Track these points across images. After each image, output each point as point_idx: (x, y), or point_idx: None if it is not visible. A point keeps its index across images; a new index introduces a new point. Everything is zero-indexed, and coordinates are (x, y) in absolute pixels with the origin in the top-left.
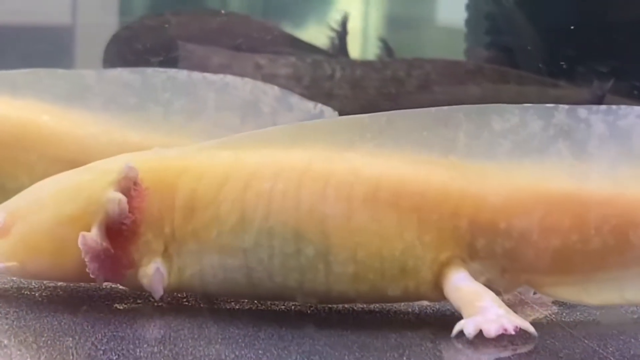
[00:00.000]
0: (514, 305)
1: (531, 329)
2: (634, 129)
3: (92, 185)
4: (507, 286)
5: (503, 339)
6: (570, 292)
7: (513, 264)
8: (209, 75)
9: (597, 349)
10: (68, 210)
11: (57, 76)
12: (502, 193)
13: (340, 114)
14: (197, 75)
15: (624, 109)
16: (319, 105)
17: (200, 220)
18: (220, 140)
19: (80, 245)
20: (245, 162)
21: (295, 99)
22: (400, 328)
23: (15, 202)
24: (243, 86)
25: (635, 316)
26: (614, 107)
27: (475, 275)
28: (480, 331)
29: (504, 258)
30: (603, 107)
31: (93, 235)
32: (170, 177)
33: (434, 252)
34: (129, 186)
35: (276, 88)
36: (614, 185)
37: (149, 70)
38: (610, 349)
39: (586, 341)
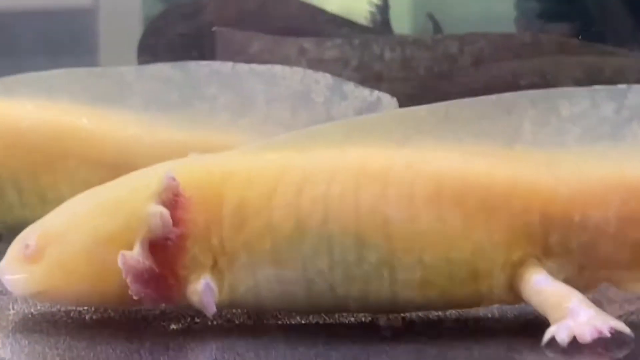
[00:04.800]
0: (598, 305)
1: (627, 330)
2: None
3: (131, 199)
4: (587, 284)
5: (598, 343)
6: None
7: (591, 260)
8: (256, 66)
9: None
10: (106, 228)
11: (94, 75)
12: (574, 183)
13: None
14: (242, 66)
15: None
16: (376, 92)
17: (251, 230)
18: (266, 142)
19: (120, 266)
20: (296, 165)
21: (349, 87)
22: (482, 337)
23: (48, 221)
24: (292, 76)
25: None
26: None
27: (552, 274)
28: (574, 337)
29: (581, 254)
30: None
31: (135, 254)
32: (215, 185)
33: (506, 252)
34: (171, 198)
35: (328, 76)
36: None
37: (191, 64)
38: None
39: None
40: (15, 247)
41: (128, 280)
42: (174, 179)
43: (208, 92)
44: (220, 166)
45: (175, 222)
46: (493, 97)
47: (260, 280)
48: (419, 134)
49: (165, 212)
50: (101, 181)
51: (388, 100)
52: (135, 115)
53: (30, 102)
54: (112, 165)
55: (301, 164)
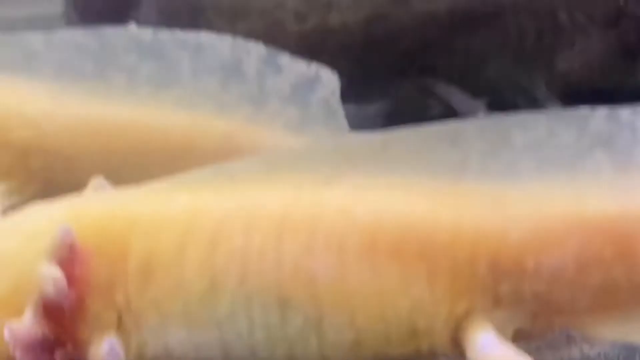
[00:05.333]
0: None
1: None
2: None
3: (21, 256)
4: (541, 332)
5: None
6: (617, 332)
7: (546, 308)
8: (180, 34)
9: None
10: (7, 285)
11: None
12: (527, 225)
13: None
14: (165, 34)
15: None
16: (314, 67)
17: (160, 288)
18: (179, 178)
19: (7, 339)
20: (211, 211)
21: (284, 60)
22: None
23: None
24: (221, 45)
25: None
26: None
27: (501, 326)
28: None
29: (536, 302)
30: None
31: (24, 324)
32: (119, 233)
33: (449, 306)
34: (67, 255)
35: (261, 47)
36: None
37: (107, 31)
38: None
39: None
40: None
41: (17, 354)
42: (69, 233)
43: (126, 61)
44: (125, 210)
45: (72, 281)
46: (436, 127)
47: (172, 343)
48: (353, 169)
49: (59, 275)
50: (9, 164)
51: (328, 77)
52: (45, 88)
53: None
54: (20, 146)
55: (216, 209)
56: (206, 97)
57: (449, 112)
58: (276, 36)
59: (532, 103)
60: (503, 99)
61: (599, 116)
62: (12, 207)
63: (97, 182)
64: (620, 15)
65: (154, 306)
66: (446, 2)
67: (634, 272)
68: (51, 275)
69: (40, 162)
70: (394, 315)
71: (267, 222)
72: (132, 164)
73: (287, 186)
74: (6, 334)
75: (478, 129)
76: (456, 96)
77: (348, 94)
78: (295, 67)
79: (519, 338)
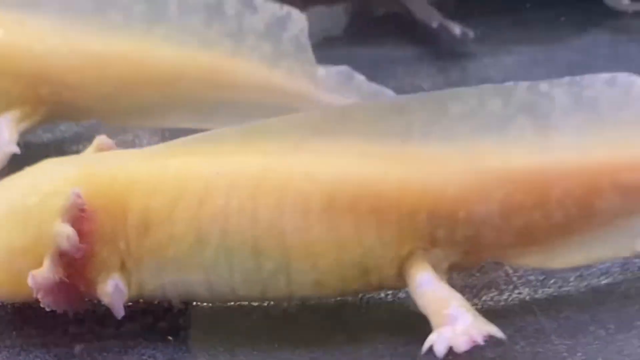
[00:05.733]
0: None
1: (499, 334)
2: (600, 96)
3: (40, 213)
4: (471, 264)
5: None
6: (535, 260)
7: (475, 247)
8: None
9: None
10: (19, 242)
11: None
12: (461, 181)
13: None
14: None
15: (587, 78)
16: (285, 7)
17: (155, 239)
18: (171, 144)
19: (31, 285)
20: (198, 174)
21: (259, 1)
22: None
23: None
24: None
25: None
26: (577, 78)
27: (438, 261)
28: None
29: (466, 243)
30: (566, 78)
31: (44, 271)
32: (120, 193)
33: (395, 249)
34: (77, 214)
35: None
36: (579, 155)
37: None
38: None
39: (556, 342)
40: None
41: (39, 296)
42: (79, 196)
43: (122, 1)
44: (125, 173)
45: (83, 235)
46: (387, 100)
47: (166, 281)
48: (316, 137)
49: (72, 233)
50: (21, 93)
51: (298, 16)
52: (50, 25)
53: None
54: (31, 76)
55: (203, 174)
56: (192, 34)
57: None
58: None
59: None
60: None
61: (521, 88)
62: (26, 131)
63: (101, 140)
64: None
65: (150, 254)
66: None
67: (549, 215)
68: (65, 232)
69: (47, 91)
70: (349, 259)
71: (245, 185)
72: (126, 92)
73: (262, 153)
74: (30, 280)
75: (421, 102)
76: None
77: None
78: (269, 8)
79: (453, 269)
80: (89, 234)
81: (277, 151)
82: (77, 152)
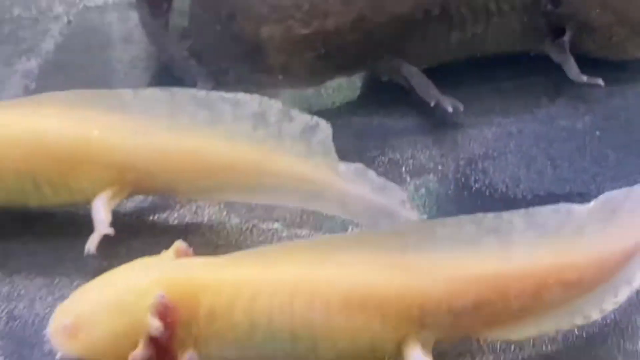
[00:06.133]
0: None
1: None
2: (547, 220)
3: (136, 307)
4: (451, 340)
5: None
6: (498, 335)
7: (454, 329)
8: (224, 93)
9: None
10: (122, 327)
11: (93, 96)
12: (443, 284)
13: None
14: (215, 93)
15: (538, 209)
16: (315, 118)
17: (219, 327)
18: (231, 256)
19: None
20: (252, 281)
21: (295, 112)
22: None
23: (80, 308)
24: (252, 100)
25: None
26: (530, 209)
27: (426, 340)
28: None
29: (447, 327)
30: (522, 210)
31: (140, 352)
32: (194, 294)
33: (395, 333)
34: (163, 310)
35: (279, 102)
36: (532, 262)
37: (176, 91)
38: None
39: None
40: (57, 322)
41: None
42: (163, 297)
43: (188, 109)
44: (197, 278)
45: (167, 324)
46: (392, 228)
47: (226, 355)
48: (338, 251)
49: (160, 326)
50: (113, 177)
51: (324, 124)
52: (135, 126)
53: (54, 118)
54: (119, 165)
55: (254, 280)
56: (242, 135)
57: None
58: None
59: None
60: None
61: (489, 217)
62: (115, 206)
63: (179, 245)
64: None
65: (215, 337)
66: None
67: (509, 306)
68: (154, 324)
69: (133, 176)
70: (361, 342)
71: (284, 289)
72: (192, 177)
73: (297, 265)
74: (130, 358)
75: (416, 227)
76: (417, 78)
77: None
78: (303, 118)
79: (437, 344)
80: (172, 324)
81: (308, 263)
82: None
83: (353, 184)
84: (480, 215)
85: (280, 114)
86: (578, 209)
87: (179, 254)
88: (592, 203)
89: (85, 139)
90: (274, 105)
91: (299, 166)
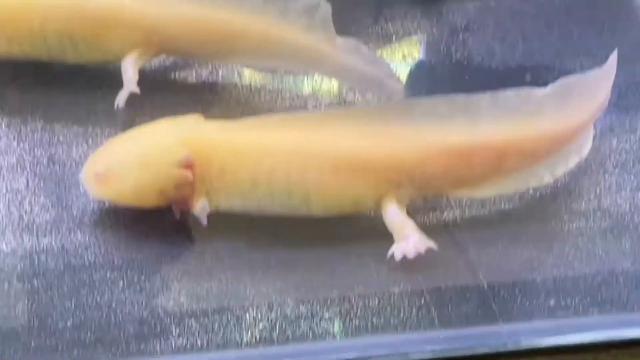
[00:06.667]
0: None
1: (434, 247)
2: (511, 100)
3: (160, 160)
4: (423, 197)
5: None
6: (464, 193)
7: (425, 189)
8: None
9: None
10: (146, 177)
11: None
12: (418, 152)
13: None
14: None
15: (502, 92)
16: None
17: (227, 181)
18: (241, 122)
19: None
20: (257, 144)
21: None
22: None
23: (110, 157)
24: None
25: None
26: (496, 92)
27: (401, 197)
28: (404, 255)
29: (420, 187)
30: (488, 93)
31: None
32: (209, 152)
33: (374, 191)
34: (186, 163)
35: None
36: (494, 134)
37: None
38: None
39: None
40: (90, 169)
41: (174, 209)
42: (186, 154)
43: None
44: (212, 139)
45: (188, 174)
46: (378, 105)
47: (232, 205)
48: (334, 121)
49: (189, 174)
50: (140, 39)
51: (324, 3)
52: None
53: None
54: (146, 28)
55: (259, 144)
56: (253, 9)
57: None
58: None
59: None
60: None
61: (460, 97)
62: (142, 65)
63: (195, 115)
64: None
65: (224, 189)
66: None
67: (473, 171)
68: (184, 174)
69: (157, 39)
70: (346, 199)
71: (284, 152)
72: (207, 41)
73: (296, 131)
74: (174, 207)
75: (400, 106)
76: None
77: None
78: None
79: (411, 201)
80: (191, 174)
81: (304, 132)
82: None
83: (348, 55)
84: (452, 96)
85: None
86: (536, 92)
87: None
88: (549, 87)
89: (117, 5)
90: None
91: (302, 38)
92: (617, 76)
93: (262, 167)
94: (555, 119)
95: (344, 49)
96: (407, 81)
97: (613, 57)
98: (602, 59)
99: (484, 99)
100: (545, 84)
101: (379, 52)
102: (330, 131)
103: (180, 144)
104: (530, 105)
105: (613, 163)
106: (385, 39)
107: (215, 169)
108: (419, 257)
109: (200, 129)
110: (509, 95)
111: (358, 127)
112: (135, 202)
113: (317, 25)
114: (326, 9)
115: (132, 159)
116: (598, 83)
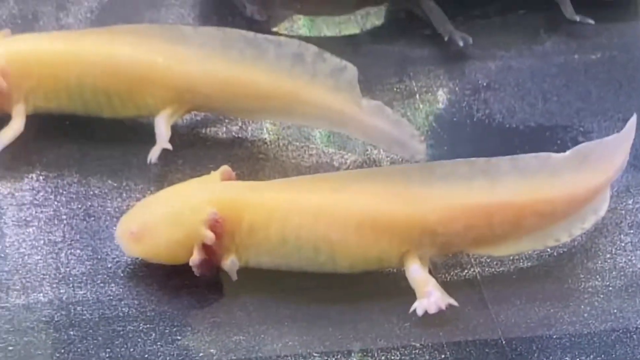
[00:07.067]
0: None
1: (455, 303)
2: (529, 164)
3: (191, 219)
4: (445, 255)
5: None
6: (484, 252)
7: (446, 247)
8: (268, 36)
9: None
10: (178, 235)
11: (160, 29)
12: (440, 211)
13: None
14: (260, 35)
15: (521, 156)
16: (344, 62)
17: (257, 238)
18: (268, 183)
19: (191, 264)
20: (285, 203)
21: (327, 55)
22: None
23: (144, 216)
24: (292, 43)
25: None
26: (516, 156)
27: (423, 255)
28: (426, 310)
29: (441, 245)
30: (508, 157)
31: (196, 257)
32: (238, 211)
33: (398, 249)
34: (214, 222)
35: (314, 46)
36: (513, 196)
37: (227, 29)
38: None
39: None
40: (124, 228)
41: (194, 270)
42: (215, 213)
43: (238, 46)
44: (241, 199)
45: (216, 234)
46: (401, 166)
47: (261, 261)
48: (358, 182)
49: (212, 235)
50: (173, 97)
51: (351, 67)
52: (193, 53)
53: (128, 45)
54: (179, 86)
55: (287, 203)
56: (282, 69)
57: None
58: None
59: None
60: None
61: (480, 161)
62: (174, 122)
63: (224, 169)
64: None
65: (253, 246)
66: None
67: (493, 230)
68: (208, 235)
69: (189, 97)
70: (371, 256)
71: (311, 211)
72: (238, 100)
73: (321, 191)
74: (190, 261)
75: (421, 167)
76: (435, 13)
77: None
78: (334, 60)
79: (434, 258)
80: (220, 235)
81: (331, 191)
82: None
83: (372, 117)
84: (473, 158)
85: (315, 56)
86: (555, 156)
87: (225, 175)
88: (568, 152)
89: (151, 63)
90: (310, 48)
91: (329, 99)
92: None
93: (290, 225)
94: (573, 183)
95: (368, 111)
96: (429, 138)
97: (632, 122)
98: (619, 119)
99: (503, 161)
100: (563, 142)
101: (403, 109)
102: (354, 191)
103: (209, 204)
104: (549, 169)
105: (629, 223)
106: (409, 97)
107: (245, 227)
108: (440, 313)
109: (231, 189)
110: (528, 158)
111: (381, 187)
112: (167, 259)
113: (344, 87)
114: (352, 72)
115: (163, 219)
116: (616, 148)
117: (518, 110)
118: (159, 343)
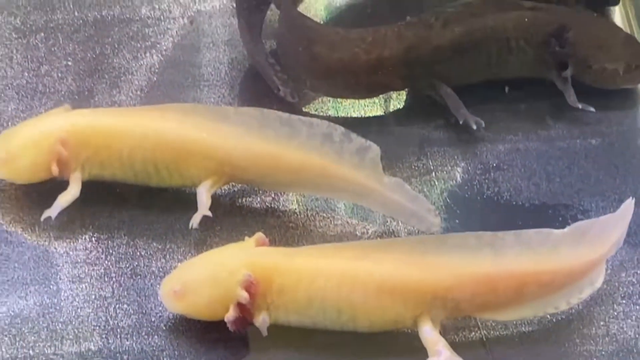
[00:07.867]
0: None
1: None
2: (531, 238)
3: (229, 281)
4: (454, 317)
5: None
6: (489, 317)
7: (456, 311)
8: (301, 117)
9: None
10: (217, 295)
11: (204, 109)
12: (450, 279)
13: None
14: (294, 116)
15: (525, 231)
16: (368, 142)
17: (286, 299)
18: (297, 249)
19: (226, 320)
20: (312, 268)
21: (353, 135)
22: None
23: (186, 277)
24: (322, 124)
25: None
26: (522, 230)
27: (435, 318)
28: None
29: (451, 309)
30: (512, 231)
31: (232, 314)
32: (270, 274)
33: (412, 312)
34: (248, 283)
35: (342, 127)
36: (516, 267)
37: (265, 110)
38: None
39: None
40: (168, 287)
41: (228, 325)
42: (249, 275)
43: (273, 125)
44: (272, 263)
45: (250, 294)
46: (416, 237)
47: (289, 319)
48: (377, 251)
49: (246, 295)
50: (213, 169)
51: (374, 146)
52: (234, 130)
53: (175, 122)
54: (220, 160)
55: (314, 268)
56: (312, 147)
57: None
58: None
59: None
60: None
61: (487, 234)
62: (214, 191)
63: (258, 236)
64: None
65: (283, 305)
66: None
67: (497, 297)
68: (243, 294)
69: (229, 170)
70: (388, 318)
71: (335, 275)
72: (273, 174)
73: (344, 259)
74: (226, 318)
75: (435, 238)
76: (451, 97)
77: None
78: (359, 140)
79: (444, 321)
80: (253, 295)
81: (353, 259)
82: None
83: (392, 192)
84: (481, 232)
85: (342, 135)
86: (556, 231)
87: (259, 241)
88: (567, 228)
89: (196, 138)
90: (338, 129)
91: (353, 174)
92: None
93: (316, 288)
94: (572, 257)
95: (389, 186)
96: (443, 212)
97: (628, 203)
98: (615, 200)
99: (509, 235)
100: (564, 219)
101: (420, 185)
102: (375, 259)
103: (244, 267)
104: (550, 243)
105: (621, 294)
106: (426, 174)
107: (275, 288)
108: None
109: (264, 254)
110: (531, 233)
111: (399, 256)
112: (205, 316)
113: (367, 164)
114: (376, 151)
115: (203, 279)
116: (612, 226)
117: (524, 189)
118: None
